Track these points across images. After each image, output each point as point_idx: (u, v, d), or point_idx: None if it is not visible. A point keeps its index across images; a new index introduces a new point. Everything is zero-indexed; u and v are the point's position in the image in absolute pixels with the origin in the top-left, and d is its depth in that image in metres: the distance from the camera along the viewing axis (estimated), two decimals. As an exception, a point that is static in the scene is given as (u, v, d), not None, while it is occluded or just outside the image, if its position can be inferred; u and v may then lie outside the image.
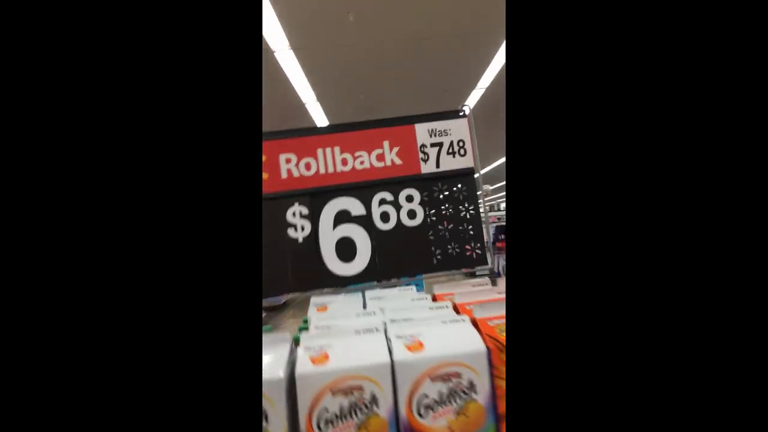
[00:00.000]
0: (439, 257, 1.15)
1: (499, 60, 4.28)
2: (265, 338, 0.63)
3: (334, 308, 0.97)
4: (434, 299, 0.90)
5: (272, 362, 0.59)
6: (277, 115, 5.09)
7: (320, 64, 4.21)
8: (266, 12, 3.17)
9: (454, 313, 0.75)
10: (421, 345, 0.60)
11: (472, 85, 5.09)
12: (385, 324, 0.74)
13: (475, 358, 0.58)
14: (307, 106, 5.32)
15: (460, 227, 1.16)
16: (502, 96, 5.20)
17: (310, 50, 3.88)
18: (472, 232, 1.16)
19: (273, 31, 3.45)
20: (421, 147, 1.18)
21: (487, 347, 0.59)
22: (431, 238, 1.16)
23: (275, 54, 3.81)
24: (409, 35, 3.72)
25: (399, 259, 1.14)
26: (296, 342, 0.65)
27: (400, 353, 0.59)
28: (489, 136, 6.21)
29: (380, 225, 1.15)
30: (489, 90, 5.17)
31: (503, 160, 8.31)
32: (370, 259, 1.14)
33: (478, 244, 1.16)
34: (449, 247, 1.16)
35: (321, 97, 5.16)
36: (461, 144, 1.19)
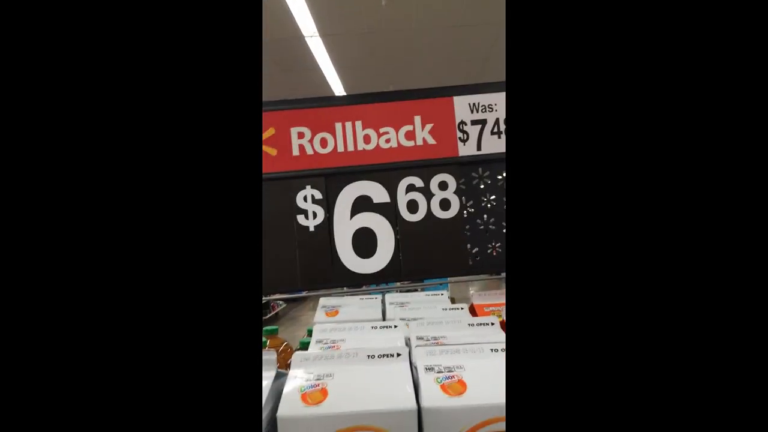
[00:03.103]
0: (476, 258, 0.95)
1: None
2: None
3: (346, 313, 0.79)
4: (473, 312, 0.71)
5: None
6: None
7: (348, 52, 4.08)
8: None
9: (503, 334, 0.55)
10: (463, 385, 0.41)
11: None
12: (408, 343, 0.55)
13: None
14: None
15: (503, 222, 0.96)
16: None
17: (340, 37, 3.74)
18: (518, 229, 0.96)
19: (302, 17, 3.36)
20: (459, 125, 0.98)
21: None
22: (467, 234, 0.96)
23: (307, 40, 3.71)
24: (443, 22, 3.54)
25: (427, 258, 0.95)
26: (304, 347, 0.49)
27: (433, 397, 0.40)
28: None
29: (406, 215, 0.96)
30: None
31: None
32: (393, 255, 0.95)
33: (525, 244, 0.96)
34: (489, 246, 0.96)
35: (349, 87, 5.03)
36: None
